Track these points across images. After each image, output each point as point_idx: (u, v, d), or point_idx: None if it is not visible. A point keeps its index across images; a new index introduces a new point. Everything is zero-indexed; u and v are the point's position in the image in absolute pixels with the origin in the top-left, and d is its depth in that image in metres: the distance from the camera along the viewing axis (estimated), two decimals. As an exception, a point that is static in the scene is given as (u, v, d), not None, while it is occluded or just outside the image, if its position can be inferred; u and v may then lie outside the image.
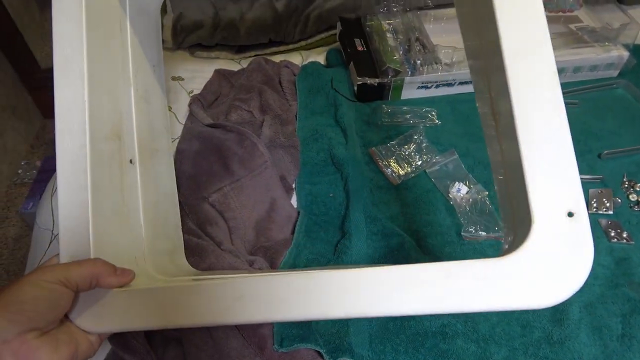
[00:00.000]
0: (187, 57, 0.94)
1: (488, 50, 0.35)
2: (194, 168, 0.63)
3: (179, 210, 0.57)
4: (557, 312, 0.54)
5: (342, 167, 0.69)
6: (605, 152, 0.71)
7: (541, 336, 0.52)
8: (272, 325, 0.47)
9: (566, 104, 0.85)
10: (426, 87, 0.80)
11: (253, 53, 0.95)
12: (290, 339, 0.46)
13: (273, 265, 0.57)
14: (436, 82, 0.80)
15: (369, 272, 0.33)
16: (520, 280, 0.27)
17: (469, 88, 0.82)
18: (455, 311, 0.29)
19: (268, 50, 0.96)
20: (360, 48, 0.83)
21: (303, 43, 0.97)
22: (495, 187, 0.40)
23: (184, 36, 0.93)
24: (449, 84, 0.81)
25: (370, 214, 0.63)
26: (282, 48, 0.96)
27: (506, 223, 0.37)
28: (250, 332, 0.46)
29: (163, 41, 0.94)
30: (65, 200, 0.38)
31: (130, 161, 0.46)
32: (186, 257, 0.53)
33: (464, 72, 0.79)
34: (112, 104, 0.43)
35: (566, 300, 0.52)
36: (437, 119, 0.77)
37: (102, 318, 0.37)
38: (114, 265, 0.38)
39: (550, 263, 0.27)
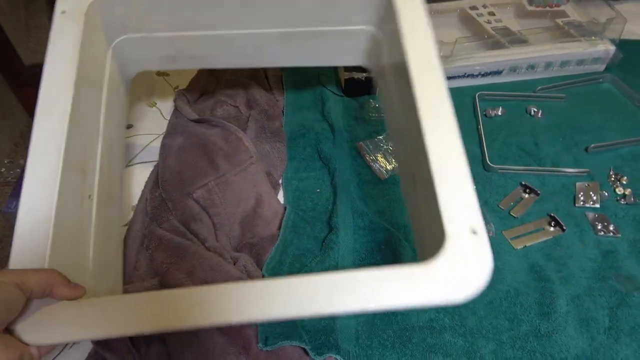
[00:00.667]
0: (172, 53, 0.92)
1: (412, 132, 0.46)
2: (178, 163, 0.62)
3: (121, 258, 0.55)
4: (544, 306, 0.54)
5: (329, 162, 0.68)
6: (592, 145, 0.71)
7: (528, 329, 0.52)
8: (256, 324, 0.46)
9: (553, 98, 0.85)
10: (414, 82, 0.80)
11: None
12: (275, 337, 0.46)
13: (259, 262, 0.56)
14: (424, 76, 0.79)
15: (314, 278, 0.36)
16: (438, 282, 0.35)
17: (456, 83, 0.82)
18: (385, 308, 0.35)
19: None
20: None
21: None
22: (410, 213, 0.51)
23: (169, 31, 0.91)
24: (437, 79, 0.80)
25: (358, 208, 0.63)
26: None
27: (419, 239, 0.48)
28: (234, 333, 0.45)
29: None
30: (26, 214, 0.41)
31: (89, 197, 0.48)
32: (165, 259, 0.52)
33: (451, 67, 0.79)
34: (83, 142, 0.48)
35: (553, 294, 0.53)
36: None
37: (45, 330, 0.37)
38: (68, 278, 0.38)
39: (459, 268, 0.35)
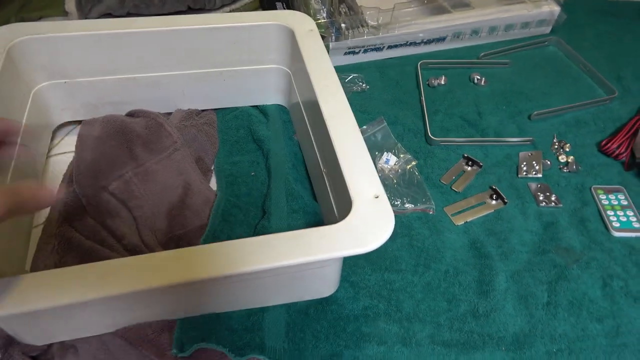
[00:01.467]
0: (96, 30, 0.85)
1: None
2: (93, 154, 0.57)
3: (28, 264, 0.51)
4: (484, 284, 0.52)
5: (263, 144, 0.64)
6: (535, 113, 0.69)
7: (467, 309, 0.50)
8: (172, 333, 0.43)
9: (497, 64, 0.83)
10: (354, 53, 0.76)
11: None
12: (191, 341, 0.42)
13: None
14: (364, 46, 0.75)
15: (235, 242, 0.39)
16: (349, 238, 0.39)
17: (399, 52, 0.78)
18: (305, 260, 0.39)
19: (190, 19, 0.89)
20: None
21: (227, 9, 0.90)
22: (321, 185, 0.56)
23: (90, 6, 0.84)
24: (378, 49, 0.76)
25: (292, 191, 0.59)
26: (204, 16, 0.89)
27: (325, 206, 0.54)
28: (148, 344, 0.42)
29: (67, 13, 0.86)
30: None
31: None
32: (71, 264, 0.48)
33: (392, 35, 0.75)
34: None
35: (493, 271, 0.51)
36: (365, 85, 0.73)
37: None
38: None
39: (366, 226, 0.40)
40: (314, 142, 0.56)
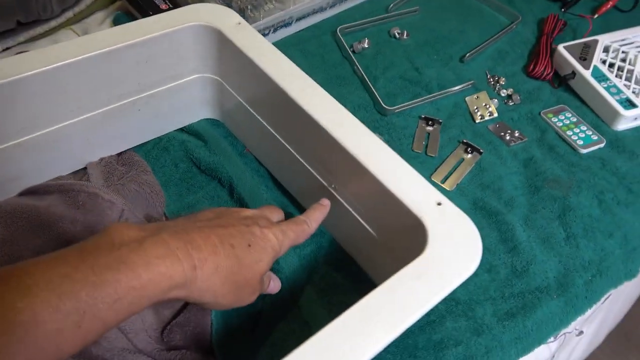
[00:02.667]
0: None
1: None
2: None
3: None
4: (507, 241, 0.51)
5: (216, 172, 0.53)
6: (467, 55, 0.68)
7: (507, 273, 0.49)
8: None
9: (407, 13, 0.78)
10: (264, 35, 0.65)
11: (0, 46, 0.66)
12: None
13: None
14: (272, 26, 0.66)
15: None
16: (449, 264, 0.34)
17: (307, 22, 0.70)
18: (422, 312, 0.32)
19: (21, 38, 0.68)
20: (164, 6, 0.63)
21: (70, 14, 0.71)
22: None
23: None
24: (287, 24, 0.68)
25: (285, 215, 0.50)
26: (41, 30, 0.68)
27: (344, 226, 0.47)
28: None
29: None
30: None
31: None
32: None
33: (300, 5, 0.66)
34: None
35: (509, 225, 0.51)
36: (292, 71, 0.64)
37: None
38: None
39: (454, 241, 0.35)
40: (296, 155, 0.47)
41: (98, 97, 0.48)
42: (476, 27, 0.74)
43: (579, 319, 0.49)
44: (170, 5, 0.63)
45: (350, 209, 0.44)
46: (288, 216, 0.50)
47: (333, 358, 0.28)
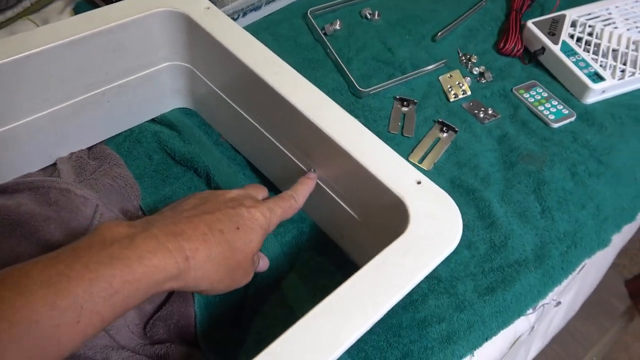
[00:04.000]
0: None
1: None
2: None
3: None
4: (486, 217, 0.52)
5: (192, 162, 0.52)
6: (439, 33, 0.68)
7: (486, 248, 0.50)
8: None
9: None
10: (234, 19, 0.64)
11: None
12: None
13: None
14: (242, 9, 0.64)
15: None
16: (427, 242, 0.34)
17: (276, 5, 0.69)
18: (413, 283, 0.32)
19: (-24, 31, 0.65)
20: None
21: (27, 4, 0.68)
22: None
23: None
24: (256, 8, 0.66)
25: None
26: (-1, 18, 0.66)
27: (324, 209, 0.47)
28: None
29: None
30: None
31: None
32: None
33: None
34: None
35: (485, 202, 0.52)
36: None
37: None
38: None
39: (435, 216, 0.35)
40: (273, 141, 0.47)
41: (64, 89, 0.46)
42: (447, 6, 0.74)
43: (556, 289, 0.51)
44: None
45: (331, 192, 0.44)
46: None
47: (319, 342, 0.28)
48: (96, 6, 0.65)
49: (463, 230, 0.49)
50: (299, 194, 0.41)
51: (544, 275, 0.49)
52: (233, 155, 0.54)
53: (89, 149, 0.52)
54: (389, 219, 0.38)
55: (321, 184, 0.44)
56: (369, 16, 0.70)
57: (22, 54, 0.41)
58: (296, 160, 0.45)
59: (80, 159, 0.49)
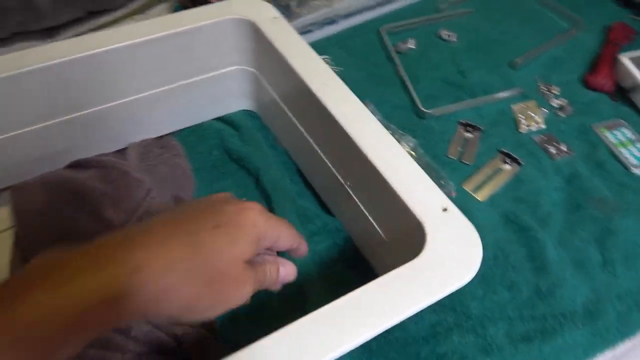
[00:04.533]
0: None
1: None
2: (44, 233, 0.44)
3: None
4: (536, 259, 0.48)
5: (245, 162, 0.55)
6: (518, 59, 0.65)
7: (530, 292, 0.47)
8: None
9: (461, 14, 0.76)
10: (310, 32, 0.66)
11: (70, 33, 0.72)
12: None
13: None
14: (318, 22, 0.66)
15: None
16: (441, 271, 0.32)
17: (355, 20, 0.70)
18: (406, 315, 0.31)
19: (90, 25, 0.73)
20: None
21: (134, 7, 0.76)
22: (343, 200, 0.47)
23: (-37, 34, 0.66)
24: (332, 22, 0.68)
25: (304, 210, 0.51)
26: (107, 19, 0.74)
27: (357, 223, 0.46)
28: None
29: None
30: None
31: None
32: None
33: (346, 3, 0.66)
34: None
35: (539, 242, 0.48)
36: (335, 67, 0.65)
37: None
38: None
39: (452, 249, 0.33)
40: (318, 150, 0.48)
41: (141, 82, 0.51)
42: (532, 32, 0.70)
43: (609, 354, 0.46)
44: (221, -1, 0.66)
45: (362, 208, 0.43)
46: (306, 210, 0.51)
47: (301, 349, 0.28)
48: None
49: (507, 270, 0.47)
50: (301, 242, 0.35)
51: (594, 335, 0.45)
52: (285, 160, 0.56)
53: (158, 137, 0.57)
54: (410, 242, 0.37)
55: (355, 199, 0.44)
56: (445, 37, 0.69)
57: (103, 49, 0.46)
58: (335, 172, 0.46)
59: (148, 145, 0.54)
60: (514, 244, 0.50)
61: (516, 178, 0.55)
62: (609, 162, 0.56)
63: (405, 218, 0.36)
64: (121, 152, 0.54)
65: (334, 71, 0.65)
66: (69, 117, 0.49)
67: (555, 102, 0.63)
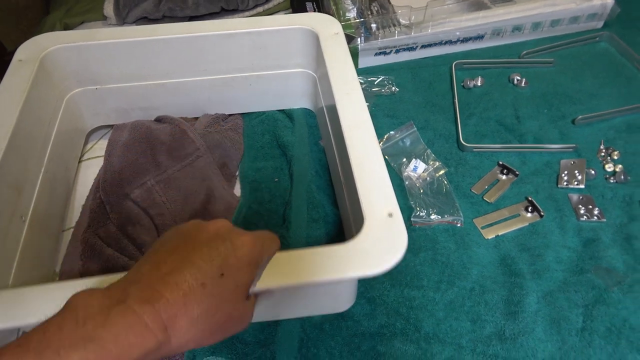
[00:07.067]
0: (133, 34, 0.87)
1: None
2: (119, 161, 0.58)
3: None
4: (512, 304, 0.49)
5: (287, 149, 0.63)
6: (580, 117, 0.63)
7: (492, 331, 0.47)
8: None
9: (540, 63, 0.77)
10: (385, 53, 0.73)
11: (207, 24, 0.89)
12: (202, 354, 0.42)
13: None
14: (395, 46, 0.72)
15: None
16: (357, 259, 0.38)
17: (433, 51, 0.74)
18: (306, 282, 0.37)
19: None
20: (310, 10, 0.76)
21: (260, 9, 0.90)
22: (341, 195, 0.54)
23: (127, 10, 0.86)
24: (410, 48, 0.73)
25: (314, 199, 0.58)
26: (236, 17, 0.89)
27: (345, 217, 0.54)
28: None
29: (106, 17, 0.89)
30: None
31: (22, 217, 0.48)
32: (95, 272, 0.49)
33: (424, 34, 0.71)
34: (21, 164, 0.49)
35: (523, 290, 0.48)
36: (395, 87, 0.70)
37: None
38: None
39: (377, 246, 0.38)
40: (334, 150, 0.55)
41: (220, 66, 0.63)
42: (614, 93, 0.67)
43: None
44: (315, 9, 0.76)
45: (347, 202, 0.49)
46: (316, 199, 0.57)
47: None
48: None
49: (478, 304, 0.48)
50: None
51: (543, 393, 0.44)
52: (321, 156, 0.64)
53: (229, 115, 0.69)
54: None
55: (344, 193, 0.50)
56: (516, 82, 0.69)
57: (206, 33, 0.58)
58: (339, 169, 0.52)
59: (217, 117, 0.66)
60: (498, 284, 0.51)
61: (532, 227, 0.55)
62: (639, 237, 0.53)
63: (360, 215, 0.41)
64: (196, 118, 0.68)
65: (390, 90, 0.71)
66: (164, 81, 0.63)
67: (610, 167, 0.60)
